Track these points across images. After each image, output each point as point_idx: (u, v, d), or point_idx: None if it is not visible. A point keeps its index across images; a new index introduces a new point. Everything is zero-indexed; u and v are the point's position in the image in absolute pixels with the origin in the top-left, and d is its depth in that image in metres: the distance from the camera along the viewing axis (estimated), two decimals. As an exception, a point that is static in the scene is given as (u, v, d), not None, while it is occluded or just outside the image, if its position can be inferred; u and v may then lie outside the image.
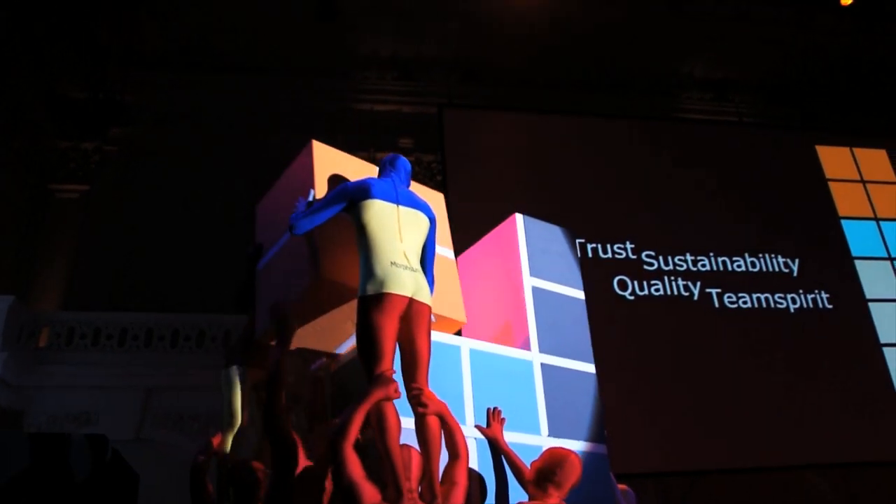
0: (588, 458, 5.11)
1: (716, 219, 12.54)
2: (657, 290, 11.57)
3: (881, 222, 13.35)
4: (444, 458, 4.23)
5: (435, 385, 4.39)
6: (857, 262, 12.79)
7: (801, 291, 12.22)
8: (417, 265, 4.53)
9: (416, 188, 5.54)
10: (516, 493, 4.66)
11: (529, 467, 4.53)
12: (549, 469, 4.37)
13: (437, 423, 4.21)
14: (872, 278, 12.68)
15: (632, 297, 11.44)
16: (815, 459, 11.18)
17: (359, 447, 3.93)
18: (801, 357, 11.64)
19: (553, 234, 6.15)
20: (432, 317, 4.72)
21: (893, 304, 12.53)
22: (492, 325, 5.27)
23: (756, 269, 12.23)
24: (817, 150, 13.93)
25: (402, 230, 4.56)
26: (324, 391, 5.04)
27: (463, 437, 4.26)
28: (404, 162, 4.98)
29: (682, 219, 12.32)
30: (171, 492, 12.33)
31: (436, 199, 5.81)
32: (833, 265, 12.67)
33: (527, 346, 5.40)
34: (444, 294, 5.25)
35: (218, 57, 16.47)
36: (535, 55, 16.79)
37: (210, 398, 13.14)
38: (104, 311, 13.78)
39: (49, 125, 16.14)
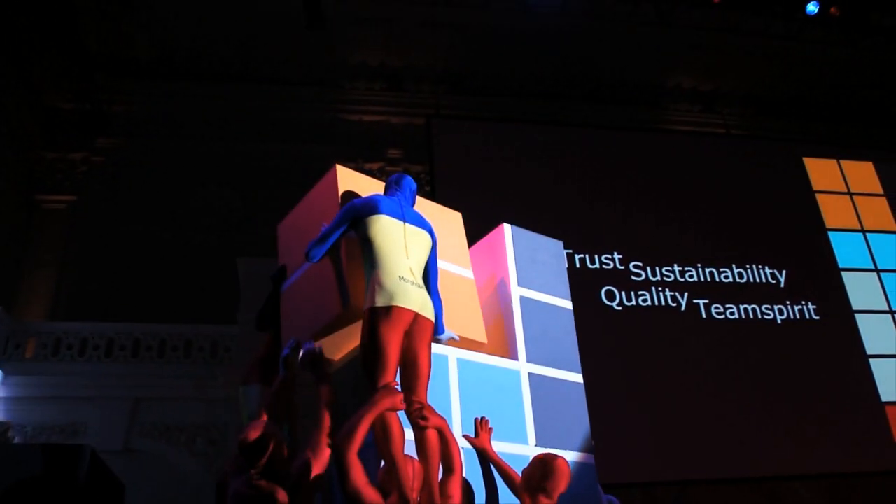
0: (575, 467, 5.11)
1: (703, 230, 12.58)
2: (645, 300, 11.60)
3: (868, 234, 13.42)
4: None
5: (422, 394, 4.43)
6: (844, 274, 12.85)
7: (788, 302, 12.27)
8: (422, 282, 4.63)
9: (434, 207, 5.70)
10: (505, 502, 4.68)
11: (520, 475, 4.54)
12: (538, 476, 4.38)
13: (436, 437, 4.25)
14: (859, 290, 12.74)
15: (619, 308, 11.46)
16: (801, 470, 11.21)
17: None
18: (787, 368, 11.67)
19: (541, 245, 6.17)
20: (455, 337, 4.97)
21: (880, 315, 12.59)
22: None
23: (743, 280, 12.27)
24: (805, 161, 14.01)
25: (408, 247, 4.68)
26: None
27: (459, 452, 4.30)
28: (410, 181, 5.10)
29: (670, 230, 12.36)
30: (157, 502, 12.35)
31: (453, 219, 5.88)
32: (820, 276, 12.73)
33: (514, 356, 5.42)
34: (465, 315, 5.33)
35: (206, 66, 16.49)
36: (524, 66, 16.85)
37: (197, 408, 13.14)
38: (91, 321, 13.73)
39: (36, 135, 16.12)
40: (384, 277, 4.48)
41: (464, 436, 4.78)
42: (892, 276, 13.06)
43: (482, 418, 4.85)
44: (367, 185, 5.29)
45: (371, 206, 4.70)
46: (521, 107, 16.75)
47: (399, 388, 4.32)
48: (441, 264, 5.34)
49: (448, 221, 5.82)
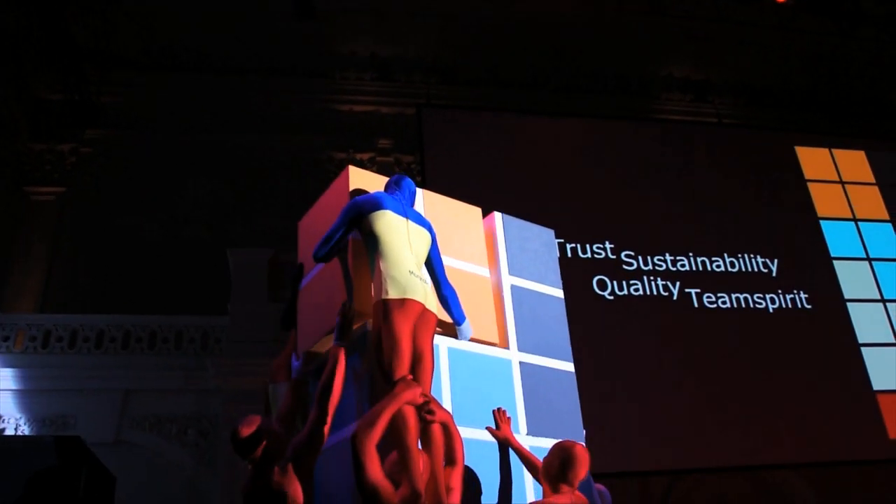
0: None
1: (695, 219, 12.61)
2: (636, 289, 11.63)
3: (860, 223, 13.46)
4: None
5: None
6: (836, 263, 12.89)
7: (780, 291, 12.30)
8: (426, 277, 4.72)
9: (451, 203, 5.74)
10: (520, 494, 4.82)
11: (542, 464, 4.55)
12: (557, 464, 4.38)
13: (440, 431, 4.30)
14: (851, 279, 12.78)
15: (611, 297, 11.48)
16: (793, 459, 11.26)
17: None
18: (779, 357, 11.71)
19: (532, 233, 6.18)
20: (469, 332, 5.05)
21: (871, 304, 12.63)
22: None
23: (735, 270, 12.30)
24: (797, 150, 14.04)
25: (411, 243, 4.75)
26: (300, 394, 5.06)
27: (462, 446, 4.35)
28: (410, 183, 5.15)
29: (662, 219, 12.38)
30: (148, 494, 12.34)
31: (472, 215, 5.88)
32: (812, 265, 12.77)
33: (506, 345, 5.42)
34: (478, 315, 5.34)
35: (196, 57, 16.43)
36: (515, 55, 16.83)
37: (188, 400, 13.13)
38: (81, 313, 13.70)
39: (24, 127, 16.05)
40: (395, 270, 4.54)
41: (487, 428, 4.86)
42: (884, 265, 13.11)
43: (499, 409, 4.94)
44: (380, 185, 5.31)
45: (375, 203, 4.78)
46: (512, 96, 16.73)
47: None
48: (456, 263, 5.39)
49: (466, 218, 5.83)
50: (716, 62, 17.74)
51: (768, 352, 11.70)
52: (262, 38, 16.10)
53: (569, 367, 5.73)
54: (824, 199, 13.54)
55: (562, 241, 11.40)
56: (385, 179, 5.33)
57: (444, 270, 5.02)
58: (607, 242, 11.86)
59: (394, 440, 4.12)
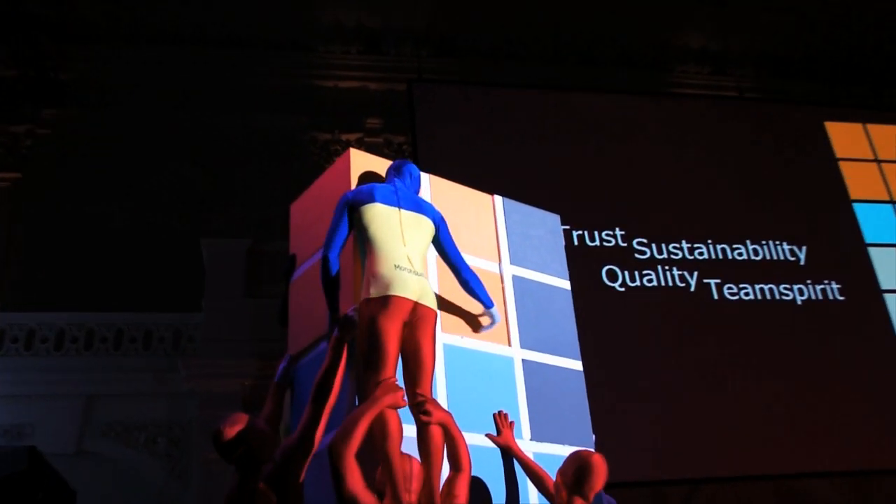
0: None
1: (715, 203, 12.56)
2: (650, 280, 11.59)
3: (897, 205, 13.40)
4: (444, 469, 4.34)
5: (404, 385, 4.45)
6: (871, 250, 12.82)
7: (808, 282, 12.25)
8: (422, 269, 4.75)
9: (462, 191, 5.78)
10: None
11: (555, 476, 4.56)
12: (572, 475, 4.38)
13: (440, 434, 4.33)
14: (888, 267, 12.70)
15: (622, 289, 11.45)
16: (824, 467, 11.22)
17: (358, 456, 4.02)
18: (809, 353, 11.66)
19: (536, 219, 6.18)
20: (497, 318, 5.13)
21: (911, 295, 12.58)
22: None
23: (759, 258, 12.26)
24: (826, 126, 13.96)
25: (404, 234, 4.78)
26: (281, 398, 5.06)
27: (466, 449, 4.38)
28: (411, 167, 5.21)
29: (678, 203, 12.34)
30: (113, 508, 12.35)
31: (483, 204, 5.90)
32: (844, 252, 12.70)
33: (507, 341, 5.41)
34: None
35: (164, 29, 16.36)
36: (515, 25, 16.77)
37: (159, 405, 13.12)
38: (38, 310, 13.67)
39: (-26, 106, 16.01)
40: (378, 266, 4.60)
41: (486, 435, 4.88)
42: (925, 252, 13.03)
43: (501, 412, 4.98)
44: (381, 167, 5.33)
45: (363, 196, 4.83)
46: (512, 70, 16.71)
47: (400, 383, 4.40)
48: (467, 258, 5.34)
49: (475, 207, 5.85)
50: (736, 30, 17.68)
51: (796, 348, 11.66)
52: (237, 7, 16.04)
53: (577, 365, 5.73)
54: (858, 180, 13.47)
55: (568, 227, 11.33)
56: (388, 162, 5.37)
57: (460, 255, 5.11)
58: (618, 229, 11.82)
59: (374, 448, 4.18)
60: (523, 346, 5.47)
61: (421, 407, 4.32)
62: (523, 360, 5.40)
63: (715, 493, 13.18)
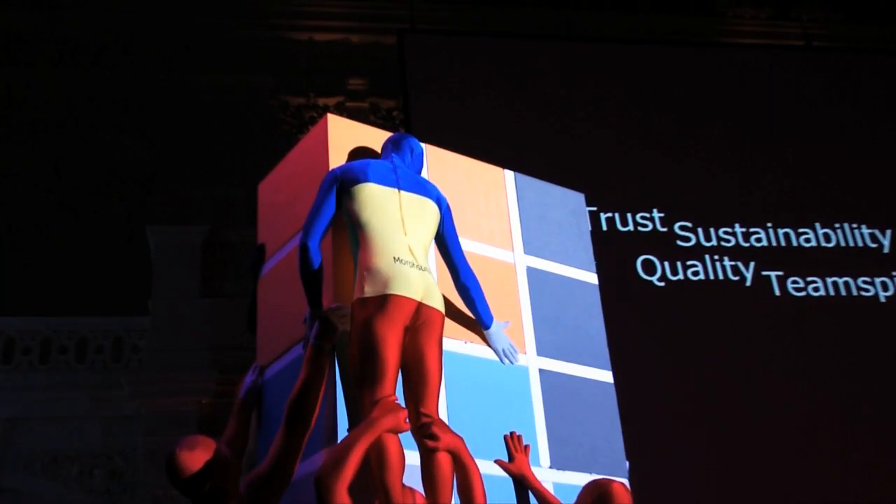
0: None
1: (776, 177, 12.55)
2: (696, 273, 11.60)
3: None
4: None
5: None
6: (972, 234, 12.78)
7: (894, 274, 12.23)
8: (426, 263, 4.69)
9: (471, 164, 5.77)
10: None
11: None
12: None
13: (448, 462, 4.27)
14: None
15: (661, 283, 11.47)
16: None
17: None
18: (893, 362, 11.63)
19: (554, 198, 6.17)
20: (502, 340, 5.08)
21: None
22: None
23: (831, 244, 12.25)
24: (915, 82, 13.96)
25: (405, 220, 4.72)
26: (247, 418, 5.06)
27: (480, 481, 4.34)
28: (412, 142, 5.16)
29: (730, 178, 12.34)
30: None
31: (491, 178, 5.89)
32: (939, 238, 12.68)
33: (520, 347, 5.39)
34: (504, 317, 5.32)
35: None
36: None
37: (95, 430, 13.13)
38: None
39: None
40: (375, 260, 4.52)
41: (496, 461, 4.84)
42: None
43: (513, 434, 4.93)
44: (368, 138, 5.31)
45: (355, 174, 4.77)
46: (525, 16, 16.71)
47: (401, 401, 4.34)
48: (471, 245, 5.37)
49: (485, 183, 5.85)
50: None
51: (877, 355, 11.62)
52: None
53: (606, 376, 5.72)
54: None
55: (594, 208, 11.35)
56: (376, 131, 5.36)
57: (461, 252, 5.04)
58: (655, 210, 11.83)
59: (372, 480, 4.12)
60: (540, 353, 5.45)
61: (426, 430, 4.23)
62: (540, 371, 5.39)
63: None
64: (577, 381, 5.54)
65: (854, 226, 12.40)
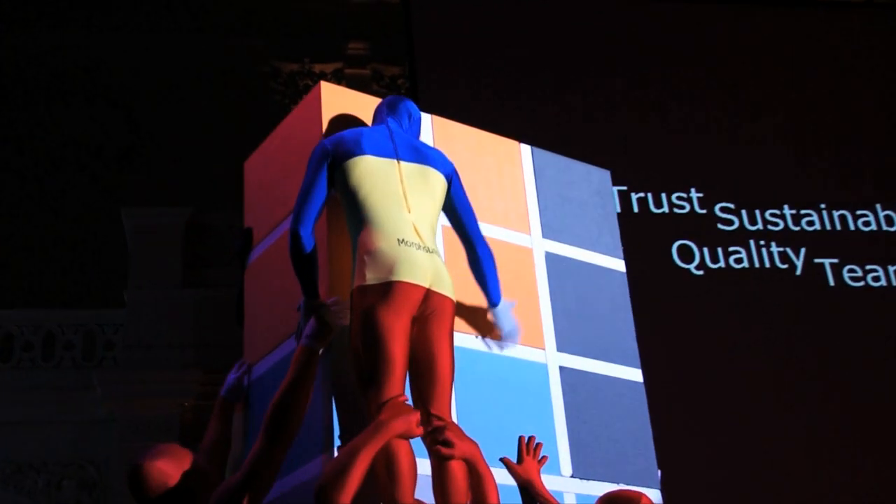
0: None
1: (832, 152, 12.51)
2: (739, 260, 11.60)
3: None
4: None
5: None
6: None
7: (968, 263, 12.21)
8: (434, 244, 4.64)
9: (484, 137, 5.78)
10: None
11: None
12: None
13: (463, 471, 4.23)
14: None
15: (700, 272, 11.47)
16: None
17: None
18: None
19: (577, 175, 6.21)
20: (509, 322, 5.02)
21: None
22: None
23: (894, 228, 12.22)
24: None
25: (407, 196, 4.67)
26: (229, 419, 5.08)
27: (496, 493, 4.26)
28: (409, 105, 5.11)
29: (778, 152, 12.31)
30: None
31: (506, 152, 5.90)
32: None
33: (538, 342, 5.43)
34: (520, 308, 5.30)
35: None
36: None
37: (64, 436, 13.17)
38: None
39: None
40: (376, 242, 4.46)
41: (501, 459, 4.66)
42: None
43: (530, 438, 4.78)
44: (366, 107, 5.30)
45: (347, 145, 4.69)
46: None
47: (410, 401, 4.30)
48: (488, 229, 5.33)
49: (499, 158, 5.86)
50: None
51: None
52: None
53: (634, 375, 5.76)
54: None
55: (624, 187, 11.37)
56: (378, 102, 5.31)
57: (476, 223, 5.00)
58: (693, 190, 11.83)
59: (380, 492, 4.09)
60: (561, 348, 5.48)
61: (439, 435, 4.12)
62: (561, 368, 5.42)
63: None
64: (603, 381, 5.58)
65: (921, 207, 12.38)
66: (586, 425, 5.34)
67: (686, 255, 11.50)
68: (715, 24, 13.26)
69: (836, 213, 12.11)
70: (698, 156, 11.99)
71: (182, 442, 5.39)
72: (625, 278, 6.05)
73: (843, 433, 10.91)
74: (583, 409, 5.38)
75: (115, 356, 13.34)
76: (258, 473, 4.03)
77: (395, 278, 4.35)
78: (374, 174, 4.63)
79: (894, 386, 11.28)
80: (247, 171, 5.83)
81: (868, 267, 11.88)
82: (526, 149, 6.03)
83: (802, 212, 12.02)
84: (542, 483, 4.65)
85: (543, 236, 5.78)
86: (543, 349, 5.42)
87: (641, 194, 11.65)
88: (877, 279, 11.84)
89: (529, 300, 5.51)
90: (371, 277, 4.37)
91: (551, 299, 5.59)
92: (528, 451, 4.71)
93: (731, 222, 11.78)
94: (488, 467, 4.27)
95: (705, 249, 11.56)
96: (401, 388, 4.24)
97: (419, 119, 5.14)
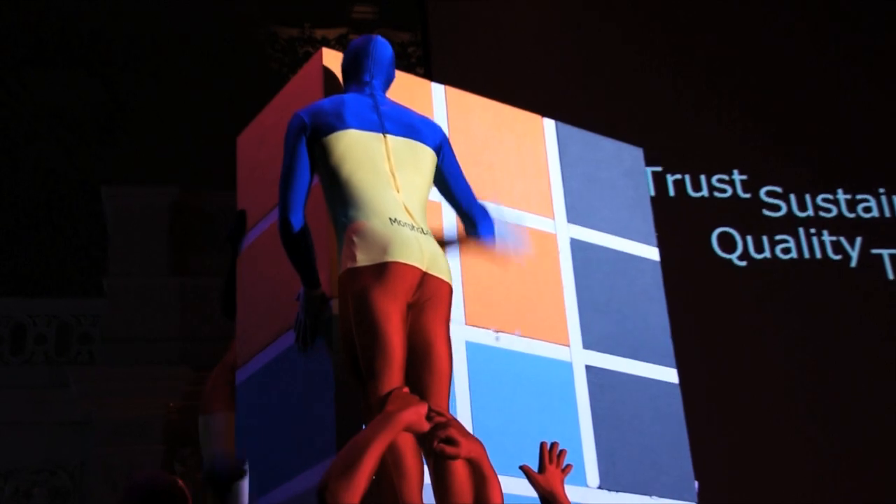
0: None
1: (891, 131, 12.49)
2: (786, 250, 11.61)
3: None
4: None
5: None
6: None
7: None
8: (426, 226, 4.61)
9: (499, 111, 5.74)
10: None
11: None
12: None
13: (466, 472, 4.19)
14: None
15: (743, 263, 11.49)
16: None
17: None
18: None
19: (607, 154, 6.22)
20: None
21: None
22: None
23: (962, 216, 12.22)
24: None
25: (395, 173, 4.65)
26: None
27: (501, 494, 4.19)
28: (381, 46, 5.00)
29: (831, 132, 12.29)
30: None
31: (526, 127, 5.87)
32: None
33: (562, 339, 5.44)
34: (542, 302, 5.37)
35: None
36: None
37: (36, 438, 13.21)
38: None
39: None
40: (366, 222, 4.45)
41: (521, 468, 4.56)
42: None
43: (553, 445, 4.69)
44: None
45: (327, 116, 4.67)
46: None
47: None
48: (507, 213, 5.24)
49: (520, 134, 5.85)
50: None
51: None
52: None
53: (669, 375, 5.77)
54: None
55: (658, 168, 11.38)
56: None
57: (468, 187, 4.94)
58: (736, 172, 11.83)
59: (384, 491, 4.12)
60: (587, 346, 5.49)
61: (442, 433, 3.95)
62: (587, 367, 5.43)
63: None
64: (633, 381, 5.59)
65: None
66: (615, 431, 5.35)
67: (727, 243, 11.51)
68: (754, 5, 13.22)
69: (895, 199, 12.10)
70: (742, 135, 11.98)
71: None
72: (658, 268, 6.06)
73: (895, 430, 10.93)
74: (611, 413, 5.38)
75: (93, 351, 13.36)
76: None
77: (389, 259, 4.34)
78: (359, 150, 4.62)
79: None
80: (240, 147, 5.83)
81: (932, 259, 11.89)
82: (549, 123, 6.03)
83: (858, 197, 12.02)
84: (565, 495, 4.59)
85: (568, 221, 5.78)
86: (568, 346, 5.42)
87: (678, 176, 11.67)
88: (943, 273, 11.84)
89: (553, 292, 5.52)
90: (362, 259, 4.35)
91: (577, 291, 5.60)
92: (551, 460, 4.69)
93: (777, 208, 11.79)
94: (493, 468, 4.19)
95: (749, 238, 11.57)
96: (400, 377, 4.24)
97: (392, 61, 5.03)
